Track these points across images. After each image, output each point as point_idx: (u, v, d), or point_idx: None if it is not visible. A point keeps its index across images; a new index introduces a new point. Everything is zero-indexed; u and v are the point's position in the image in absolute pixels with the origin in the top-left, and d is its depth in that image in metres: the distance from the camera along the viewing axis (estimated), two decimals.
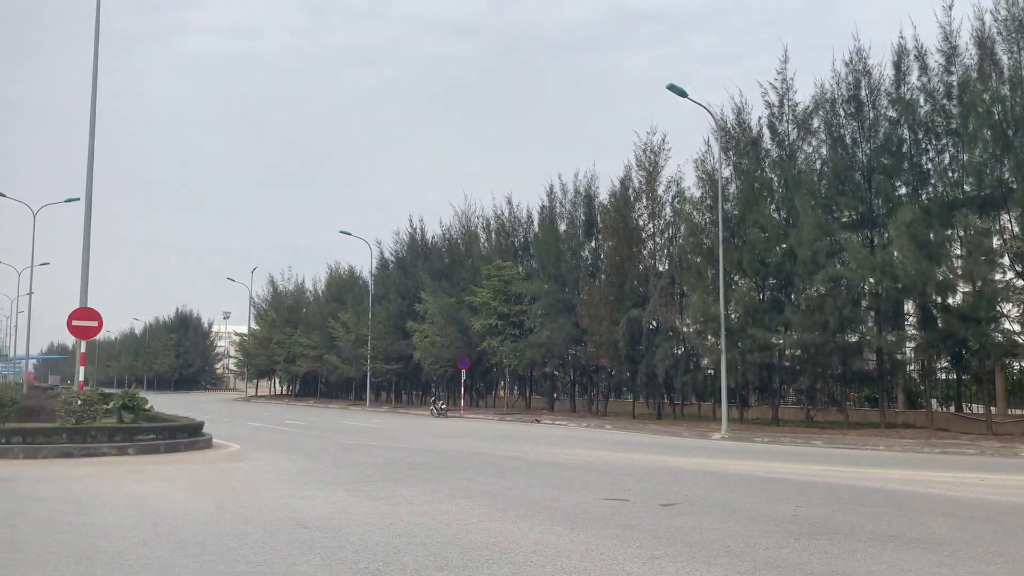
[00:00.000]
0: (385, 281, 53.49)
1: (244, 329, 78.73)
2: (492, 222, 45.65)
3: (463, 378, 42.30)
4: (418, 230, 52.51)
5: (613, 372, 36.44)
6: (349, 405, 53.18)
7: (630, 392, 37.28)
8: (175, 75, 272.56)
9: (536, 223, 42.97)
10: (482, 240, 46.60)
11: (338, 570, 6.57)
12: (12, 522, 8.67)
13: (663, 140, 34.39)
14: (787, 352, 28.76)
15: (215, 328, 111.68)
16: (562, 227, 40.03)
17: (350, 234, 52.14)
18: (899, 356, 26.76)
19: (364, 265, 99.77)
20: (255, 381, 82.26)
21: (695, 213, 31.17)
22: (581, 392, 41.26)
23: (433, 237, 51.61)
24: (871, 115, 27.22)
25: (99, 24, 19.70)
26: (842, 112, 27.83)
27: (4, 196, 47.10)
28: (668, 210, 34.60)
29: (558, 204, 40.72)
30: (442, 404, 39.24)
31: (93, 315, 19.09)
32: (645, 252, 34.94)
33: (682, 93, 26.29)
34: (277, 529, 8.36)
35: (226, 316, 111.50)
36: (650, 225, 35.00)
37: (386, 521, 8.89)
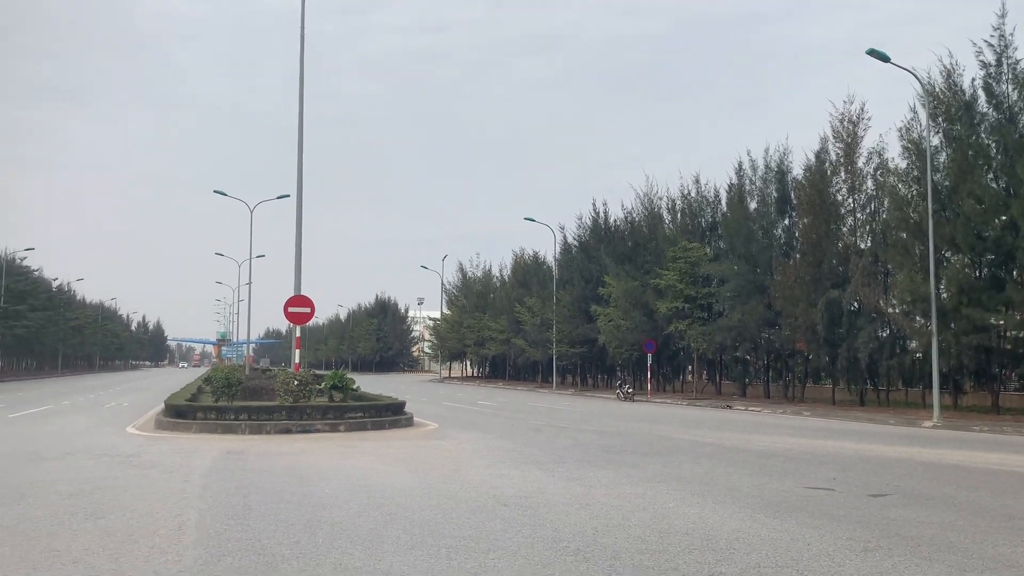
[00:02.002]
0: (569, 265, 53.88)
1: (437, 314, 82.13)
2: (677, 202, 44.76)
3: (649, 362, 41.86)
4: (600, 214, 52.49)
5: (810, 356, 34.68)
6: (536, 387, 54.19)
7: (829, 377, 35.38)
8: (363, 75, 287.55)
9: (724, 202, 41.66)
10: (666, 221, 45.80)
11: (539, 548, 6.72)
12: (245, 492, 9.55)
13: (862, 109, 32.25)
14: (1009, 334, 26.22)
15: (410, 313, 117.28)
16: (752, 205, 38.54)
17: (534, 220, 52.99)
18: None
19: (548, 250, 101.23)
20: (448, 363, 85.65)
21: (900, 185, 28.98)
22: (775, 377, 39.65)
23: (616, 220, 51.40)
24: None
25: (303, 39, 21.13)
26: None
27: (225, 195, 51.71)
28: (869, 183, 32.39)
29: (747, 181, 39.22)
30: (628, 388, 39.04)
31: (306, 302, 20.60)
32: (844, 229, 32.93)
33: (884, 58, 24.47)
34: (479, 506, 8.68)
35: (420, 302, 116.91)
36: (849, 200, 32.95)
37: (582, 502, 8.99)
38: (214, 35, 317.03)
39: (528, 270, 62.67)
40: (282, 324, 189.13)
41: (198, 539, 6.95)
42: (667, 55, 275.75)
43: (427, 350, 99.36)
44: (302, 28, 21.08)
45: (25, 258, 75.15)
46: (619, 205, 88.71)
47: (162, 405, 22.44)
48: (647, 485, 10.38)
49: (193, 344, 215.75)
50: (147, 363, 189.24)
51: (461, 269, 78.01)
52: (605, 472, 11.59)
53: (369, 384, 34.62)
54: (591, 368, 56.18)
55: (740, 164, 39.69)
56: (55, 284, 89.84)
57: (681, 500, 9.24)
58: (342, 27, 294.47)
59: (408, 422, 19.81)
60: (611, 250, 47.58)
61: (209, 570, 5.94)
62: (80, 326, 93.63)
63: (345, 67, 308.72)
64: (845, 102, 32.66)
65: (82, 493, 9.26)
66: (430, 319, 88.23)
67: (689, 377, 47.12)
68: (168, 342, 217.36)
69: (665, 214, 46.28)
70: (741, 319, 35.20)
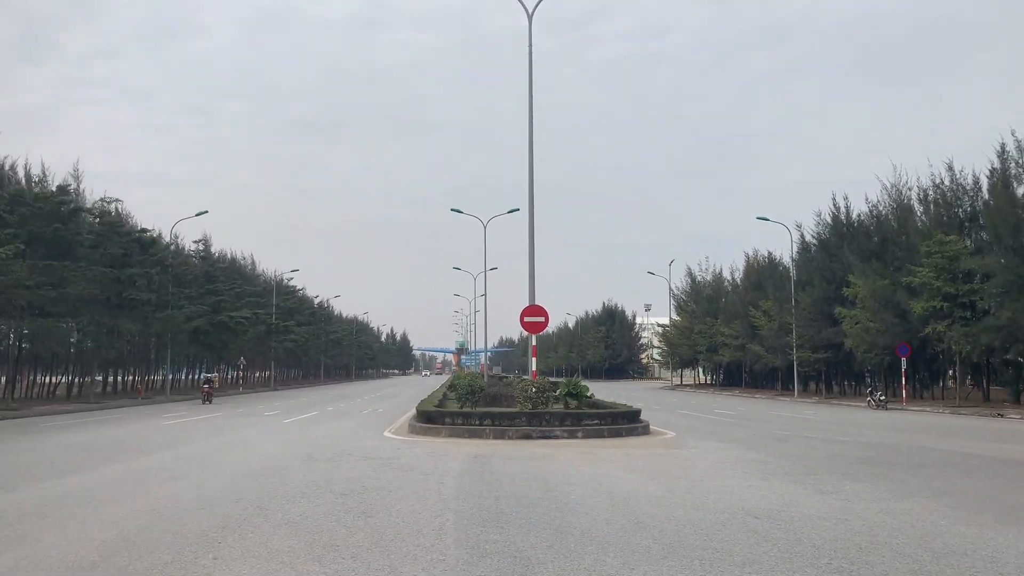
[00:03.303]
0: (807, 266, 51.10)
1: (665, 320, 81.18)
2: (929, 192, 40.98)
3: (903, 367, 38.60)
4: (842, 209, 49.28)
5: None
6: (775, 395, 51.85)
7: None
8: (591, 85, 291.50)
9: (985, 189, 37.58)
10: (918, 213, 42.09)
11: (799, 564, 6.41)
12: (496, 495, 9.95)
13: None
14: None
15: (638, 320, 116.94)
16: (1020, 191, 34.45)
17: (767, 219, 50.90)
18: None
19: (783, 250, 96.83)
20: (679, 370, 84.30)
21: None
22: None
23: (859, 215, 48.02)
24: None
25: (532, 56, 21.80)
26: None
27: (460, 212, 54.46)
28: None
29: (1012, 165, 35.15)
30: (880, 395, 36.20)
31: (541, 312, 21.16)
32: None
33: None
34: (728, 517, 8.43)
35: (648, 308, 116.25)
36: None
37: (840, 516, 8.47)
38: (447, 61, 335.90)
39: (762, 272, 60.25)
40: (514, 333, 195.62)
41: (458, 539, 7.33)
42: (913, 33, 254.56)
43: (656, 357, 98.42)
44: (530, 46, 21.77)
45: (292, 279, 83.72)
46: (862, 198, 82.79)
47: (413, 411, 24.00)
48: (912, 500, 9.59)
49: (435, 353, 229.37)
50: (395, 371, 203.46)
51: (689, 273, 76.72)
52: (863, 485, 10.85)
53: (599, 391, 34.82)
54: (836, 374, 52.84)
55: (1003, 146, 35.69)
56: (316, 301, 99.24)
57: (955, 518, 8.44)
58: (565, 40, 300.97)
59: (644, 430, 19.71)
60: (855, 247, 44.52)
61: (472, 570, 6.24)
62: (338, 339, 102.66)
63: (570, 79, 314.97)
64: None
65: (352, 492, 10.11)
66: (658, 325, 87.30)
67: (950, 383, 42.89)
68: (413, 352, 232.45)
69: (916, 205, 42.56)
70: (1011, 317, 31.53)
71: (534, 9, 22.27)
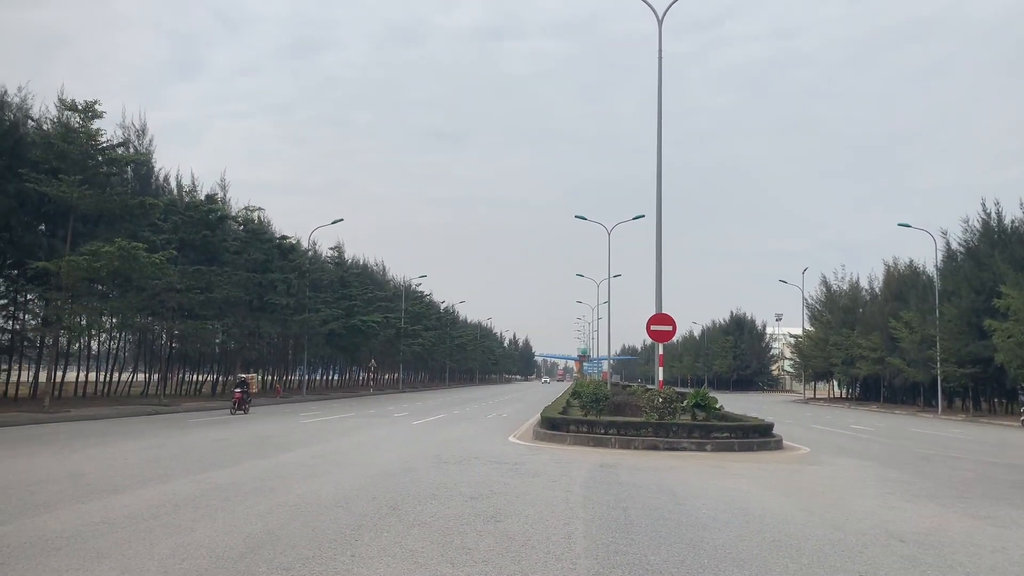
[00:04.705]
0: (954, 275, 48.07)
1: (798, 330, 78.20)
2: None
3: None
4: (992, 215, 46.12)
5: None
6: (916, 412, 48.99)
7: None
8: (719, 87, 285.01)
9: None
10: None
11: None
12: (624, 505, 9.85)
13: None
14: None
15: (768, 330, 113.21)
16: None
17: (909, 226, 48.24)
18: None
19: (926, 259, 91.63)
20: (812, 383, 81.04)
21: None
22: None
23: (1014, 221, 44.80)
24: None
25: (661, 60, 21.53)
26: None
27: (585, 219, 54.38)
28: None
29: None
30: None
31: (668, 320, 20.81)
32: None
33: None
34: (871, 539, 8.02)
35: (778, 318, 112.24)
36: None
37: (996, 544, 7.92)
38: (573, 68, 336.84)
39: (903, 281, 57.18)
40: (636, 341, 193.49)
41: (587, 549, 7.29)
42: None
43: (788, 368, 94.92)
44: (659, 50, 21.51)
45: (419, 284, 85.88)
46: (1015, 204, 77.04)
47: (537, 416, 24.09)
48: None
49: (556, 360, 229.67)
50: (518, 376, 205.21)
51: (824, 282, 73.63)
52: (1020, 512, 10.10)
53: (727, 403, 33.88)
54: (985, 391, 49.42)
55: None
56: (442, 306, 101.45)
57: None
58: (695, 43, 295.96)
59: (777, 445, 19.03)
60: (1008, 256, 41.59)
61: None
62: (463, 343, 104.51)
63: (699, 83, 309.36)
64: None
65: (481, 496, 10.24)
66: (790, 336, 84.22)
67: None
68: (535, 357, 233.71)
69: None
70: None
71: (664, 13, 22.01)
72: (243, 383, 31.38)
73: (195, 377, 48.94)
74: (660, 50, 21.60)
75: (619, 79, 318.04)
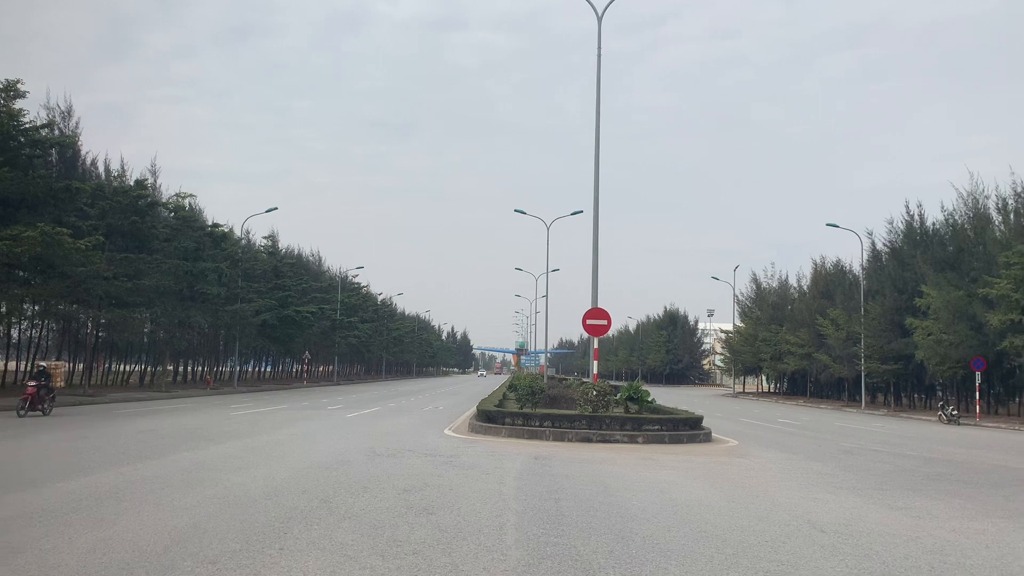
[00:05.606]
0: (878, 274, 49.75)
1: (729, 326, 79.90)
2: (1010, 202, 39.44)
3: (978, 381, 37.26)
4: (915, 216, 47.79)
5: None
6: (841, 406, 50.58)
7: None
8: (660, 86, 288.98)
9: None
10: (996, 223, 40.55)
11: None
12: (556, 497, 9.94)
13: None
14: None
15: (701, 325, 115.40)
16: None
17: (837, 226, 49.65)
18: None
19: (853, 258, 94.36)
20: (741, 378, 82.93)
21: None
22: None
23: (934, 223, 46.49)
24: None
25: (600, 57, 21.71)
26: None
27: (524, 213, 54.52)
28: None
29: None
30: (952, 410, 35.01)
31: (603, 315, 21.05)
32: None
33: None
34: (793, 530, 8.27)
35: (710, 314, 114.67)
36: None
37: (910, 534, 8.24)
38: (517, 62, 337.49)
39: (830, 280, 58.85)
40: (573, 335, 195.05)
41: (518, 540, 7.35)
42: (996, 37, 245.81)
43: (719, 363, 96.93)
44: (599, 48, 21.68)
45: (356, 276, 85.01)
46: (937, 207, 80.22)
47: (474, 409, 24.13)
48: (987, 520, 9.26)
49: (494, 353, 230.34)
50: (455, 369, 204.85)
51: (755, 279, 75.32)
52: (934, 503, 10.52)
53: (660, 396, 34.48)
54: (906, 387, 51.30)
55: None
56: (380, 298, 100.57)
57: None
58: (636, 43, 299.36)
59: (706, 437, 19.44)
60: (929, 256, 43.16)
61: (532, 572, 6.24)
62: (400, 336, 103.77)
63: (640, 81, 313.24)
64: None
65: (414, 489, 10.21)
66: (722, 331, 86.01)
67: None
68: (473, 351, 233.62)
69: (995, 214, 41.01)
70: None
71: (604, 11, 22.18)
72: (42, 373, 23.28)
73: (122, 367, 47.60)
74: (599, 47, 21.79)
75: (563, 75, 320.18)
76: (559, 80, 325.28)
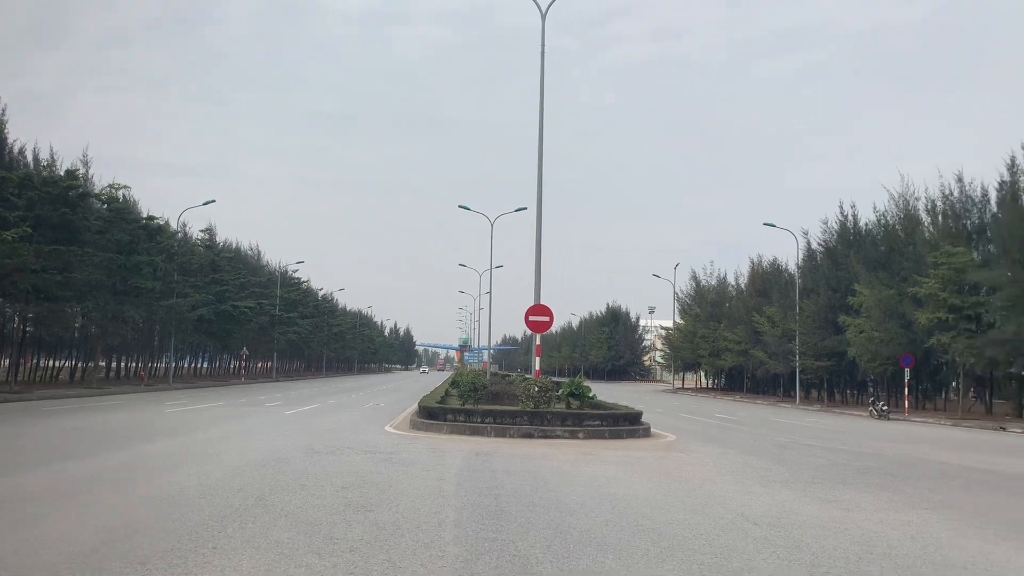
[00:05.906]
0: (813, 273, 51.06)
1: (669, 323, 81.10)
2: (938, 204, 40.83)
3: (907, 377, 38.52)
4: (849, 217, 49.15)
5: None
6: (777, 402, 51.81)
7: None
8: (605, 85, 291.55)
9: (993, 202, 37.53)
10: (925, 224, 41.96)
11: (797, 571, 6.41)
12: (495, 493, 9.96)
13: None
14: None
15: (642, 322, 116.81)
16: None
17: (774, 226, 50.76)
18: None
19: (789, 257, 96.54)
20: (681, 374, 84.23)
21: None
22: None
23: (867, 224, 47.90)
24: None
25: (544, 55, 21.78)
26: None
27: (468, 209, 54.44)
28: None
29: (1022, 178, 35.07)
30: (883, 405, 36.12)
31: (546, 311, 21.16)
32: None
33: None
34: (727, 523, 8.43)
35: (651, 311, 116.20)
36: None
37: (840, 526, 8.46)
38: (462, 57, 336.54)
39: (767, 278, 60.19)
40: (517, 331, 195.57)
41: (457, 536, 7.34)
42: (930, 44, 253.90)
43: (659, 360, 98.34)
44: (542, 45, 21.75)
45: (296, 271, 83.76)
46: (870, 208, 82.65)
47: (415, 406, 24.01)
48: (913, 512, 9.58)
49: (438, 349, 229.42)
50: (398, 366, 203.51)
51: (694, 277, 76.62)
52: (863, 495, 10.83)
53: (601, 392, 34.79)
54: (839, 383, 52.76)
55: (1013, 159, 35.62)
56: (320, 294, 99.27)
57: (956, 531, 8.42)
58: (581, 40, 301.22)
59: (645, 432, 19.69)
60: (862, 256, 44.44)
61: (470, 568, 6.24)
62: (341, 332, 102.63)
63: (585, 79, 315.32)
64: None
65: (352, 486, 10.12)
66: (662, 328, 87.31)
67: (953, 395, 42.79)
68: (416, 347, 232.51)
69: (924, 216, 42.43)
70: (1016, 331, 31.44)
71: (547, 8, 22.26)
72: None
73: (51, 363, 46.08)
74: (543, 45, 21.86)
75: (508, 71, 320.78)
76: (504, 77, 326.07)
